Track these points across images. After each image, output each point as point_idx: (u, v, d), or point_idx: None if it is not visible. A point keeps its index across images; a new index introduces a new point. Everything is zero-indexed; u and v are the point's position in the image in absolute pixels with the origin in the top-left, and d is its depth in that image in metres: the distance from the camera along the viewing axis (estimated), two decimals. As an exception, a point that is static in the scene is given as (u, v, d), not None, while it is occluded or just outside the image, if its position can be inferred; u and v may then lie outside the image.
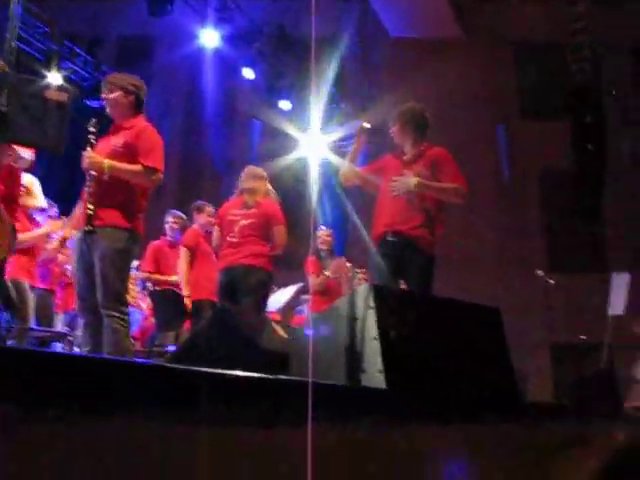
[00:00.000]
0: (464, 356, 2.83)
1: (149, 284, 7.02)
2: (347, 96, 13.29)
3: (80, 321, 4.27)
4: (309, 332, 3.00)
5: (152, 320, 7.11)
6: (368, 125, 4.86)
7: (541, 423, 3.39)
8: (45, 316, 6.44)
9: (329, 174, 5.24)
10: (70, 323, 6.64)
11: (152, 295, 6.94)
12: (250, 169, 5.83)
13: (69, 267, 5.98)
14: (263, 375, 1.94)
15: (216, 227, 5.82)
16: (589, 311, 9.53)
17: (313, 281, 6.68)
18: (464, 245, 13.36)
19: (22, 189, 4.82)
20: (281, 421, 1.88)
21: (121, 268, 4.00)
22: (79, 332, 5.26)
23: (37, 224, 5.66)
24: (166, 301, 6.62)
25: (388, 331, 2.50)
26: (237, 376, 1.81)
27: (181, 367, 1.77)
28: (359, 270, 6.92)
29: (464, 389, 2.78)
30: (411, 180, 4.47)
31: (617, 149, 14.60)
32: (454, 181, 4.59)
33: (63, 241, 5.09)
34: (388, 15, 14.33)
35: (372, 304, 2.52)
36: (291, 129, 11.76)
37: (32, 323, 5.58)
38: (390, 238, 4.44)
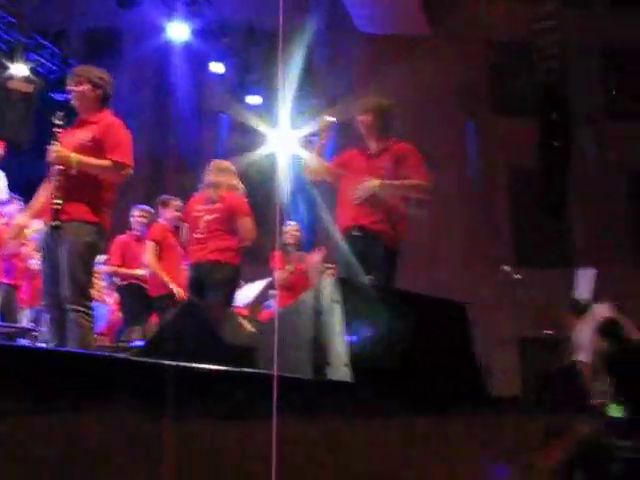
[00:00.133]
0: (429, 350, 2.86)
1: (116, 278, 6.97)
2: (317, 91, 13.30)
3: (45, 316, 4.22)
4: (275, 326, 3.00)
5: (119, 315, 7.07)
6: (332, 119, 4.86)
7: (507, 417, 3.44)
8: (9, 311, 6.37)
9: (298, 169, 5.22)
10: (35, 318, 6.56)
11: (119, 289, 6.89)
12: (216, 163, 5.79)
13: (34, 261, 5.90)
14: (230, 368, 1.94)
15: (185, 223, 5.80)
16: (556, 306, 9.63)
17: (279, 276, 6.68)
18: (432, 241, 13.47)
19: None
20: (248, 414, 1.88)
21: (87, 262, 3.98)
22: (44, 327, 5.20)
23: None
24: (132, 295, 6.59)
25: (354, 325, 2.51)
26: (204, 369, 1.81)
27: (148, 360, 1.76)
28: (329, 265, 6.93)
29: (429, 383, 2.81)
30: (373, 183, 4.47)
31: (582, 147, 14.81)
32: (419, 176, 4.61)
33: (20, 230, 5.00)
34: (358, 11, 14.37)
35: (338, 298, 2.53)
36: (260, 124, 11.72)
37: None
38: (354, 233, 4.45)
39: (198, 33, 10.96)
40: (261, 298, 7.24)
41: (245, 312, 6.77)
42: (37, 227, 4.80)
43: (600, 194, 16.22)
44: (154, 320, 6.40)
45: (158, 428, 1.58)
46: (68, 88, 4.24)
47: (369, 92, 5.17)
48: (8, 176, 6.65)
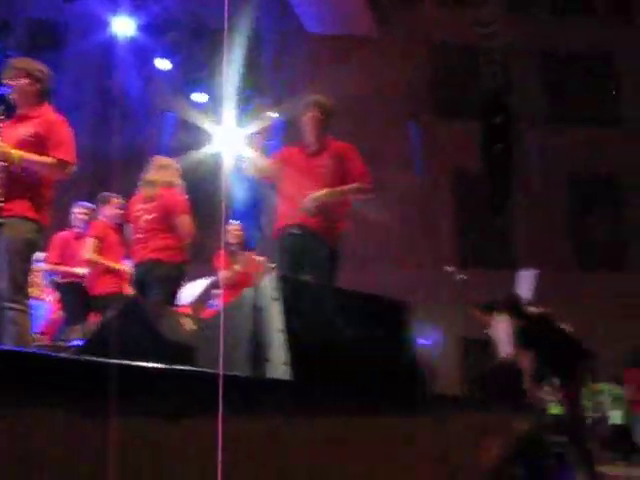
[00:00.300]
0: (369, 348, 2.88)
1: (56, 276, 6.85)
2: (263, 90, 13.27)
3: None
4: (221, 325, 2.99)
5: (59, 313, 6.94)
6: (273, 115, 4.87)
7: (446, 415, 3.48)
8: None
9: (243, 168, 5.20)
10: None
11: (59, 288, 6.78)
12: (156, 159, 5.74)
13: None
14: (171, 366, 1.93)
15: (128, 223, 5.76)
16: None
17: (223, 275, 6.66)
18: (376, 240, 13.58)
19: None
20: (189, 412, 1.88)
21: (26, 260, 3.92)
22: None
23: None
24: (73, 294, 6.49)
25: (293, 322, 2.52)
26: (145, 367, 1.80)
27: (88, 359, 1.74)
28: (273, 264, 6.93)
29: (368, 381, 2.83)
30: (319, 194, 4.46)
31: (524, 150, 15.11)
32: (359, 176, 4.64)
33: None
34: (304, 10, 14.39)
35: (277, 295, 2.53)
36: (206, 122, 11.65)
37: None
38: (294, 231, 4.46)
39: (143, 28, 10.82)
40: (205, 297, 7.21)
41: (189, 311, 6.73)
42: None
43: (542, 196, 16.58)
44: (94, 319, 6.31)
45: (100, 427, 1.56)
46: (5, 81, 4.15)
47: (314, 91, 5.17)
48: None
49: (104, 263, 6.15)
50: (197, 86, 11.88)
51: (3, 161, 3.82)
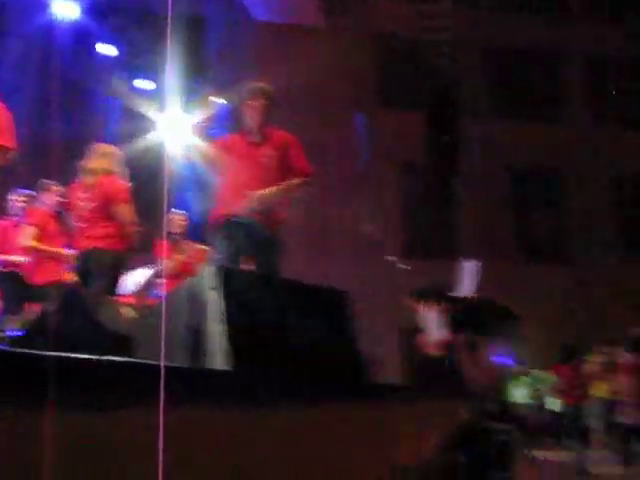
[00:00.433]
0: (309, 337, 2.88)
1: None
2: (209, 77, 13.15)
3: None
4: (156, 313, 2.96)
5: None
6: (218, 100, 4.81)
7: (386, 404, 3.51)
8: None
9: (188, 155, 5.13)
10: None
11: (-4, 277, 6.61)
12: (97, 147, 5.64)
13: None
14: (109, 358, 1.91)
15: (69, 211, 5.65)
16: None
17: (166, 265, 6.60)
18: (321, 230, 13.60)
19: None
20: (126, 403, 1.86)
21: None
22: None
23: None
24: (10, 282, 6.33)
25: (232, 312, 2.50)
26: (84, 359, 1.77)
27: (28, 351, 1.71)
28: (214, 252, 6.88)
29: (309, 370, 2.83)
30: (263, 193, 4.44)
31: (469, 143, 15.29)
32: (302, 170, 4.64)
33: None
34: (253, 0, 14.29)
35: (217, 285, 2.51)
36: (151, 109, 11.47)
37: None
38: (235, 219, 4.42)
39: (87, 12, 10.59)
40: (147, 286, 7.12)
41: (131, 300, 6.64)
42: None
43: (486, 189, 16.83)
44: (33, 309, 6.18)
45: (38, 419, 1.53)
46: None
47: (261, 79, 5.12)
48: None
49: (44, 250, 6.02)
50: (142, 73, 11.69)
51: None
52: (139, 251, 5.90)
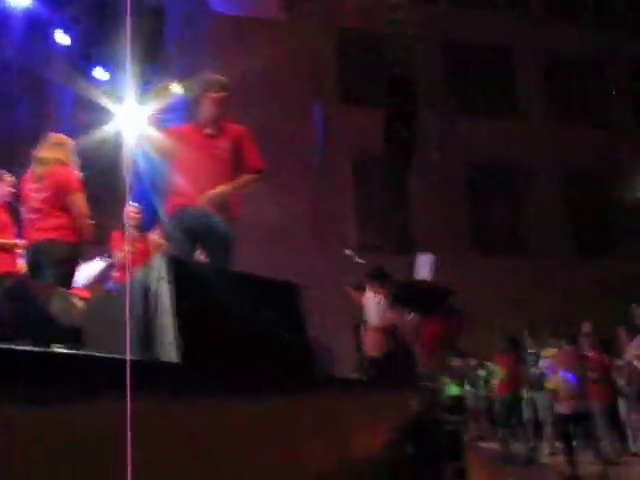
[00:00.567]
0: (261, 330, 2.90)
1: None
2: (167, 67, 13.04)
3: None
4: (104, 304, 2.94)
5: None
6: (175, 91, 4.79)
7: (338, 396, 3.54)
8: None
9: (145, 148, 5.08)
10: None
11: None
12: (49, 137, 5.56)
13: None
14: (56, 350, 1.90)
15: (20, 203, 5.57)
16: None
17: (118, 257, 6.55)
18: (277, 224, 13.58)
19: None
20: (75, 396, 1.85)
21: None
22: None
23: None
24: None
25: (183, 304, 2.50)
26: (30, 351, 1.76)
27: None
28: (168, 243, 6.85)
29: (260, 363, 2.85)
30: (218, 191, 4.42)
31: (426, 138, 15.41)
32: (255, 165, 4.66)
33: None
34: (211, -10, 14.19)
35: (167, 276, 2.51)
36: (106, 100, 11.32)
37: None
38: (189, 211, 4.41)
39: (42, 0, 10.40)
40: (101, 278, 7.06)
41: (84, 292, 6.58)
42: None
43: (442, 183, 16.99)
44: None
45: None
46: None
47: (217, 71, 5.10)
48: None
49: None
50: (99, 62, 11.53)
51: None
52: (93, 243, 5.85)
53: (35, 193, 5.28)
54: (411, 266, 9.36)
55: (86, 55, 11.49)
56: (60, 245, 5.17)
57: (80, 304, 3.56)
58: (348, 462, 3.53)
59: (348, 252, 8.83)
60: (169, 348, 2.42)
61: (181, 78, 11.41)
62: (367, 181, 16.24)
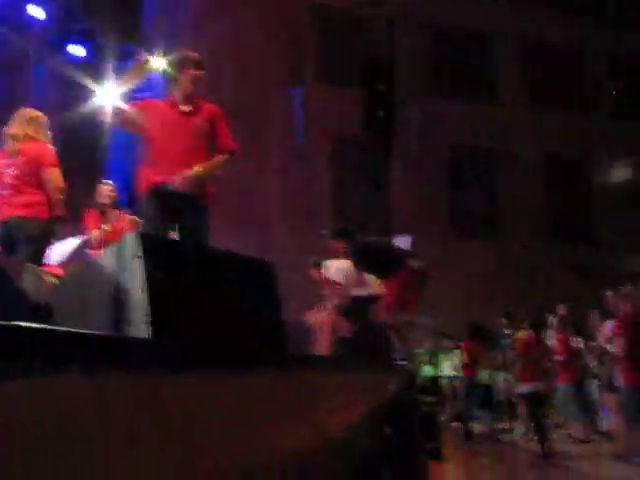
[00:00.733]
0: (234, 308, 2.87)
1: None
2: (144, 44, 12.89)
3: None
4: (75, 281, 2.91)
5: None
6: (150, 58, 4.75)
7: (314, 375, 3.53)
8: None
9: (119, 122, 5.02)
10: None
11: None
12: (20, 112, 5.47)
13: None
14: (21, 324, 1.86)
15: None
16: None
17: (94, 235, 6.50)
18: (253, 203, 13.54)
19: None
20: (39, 372, 1.81)
21: None
22: None
23: None
24: None
25: (155, 282, 2.47)
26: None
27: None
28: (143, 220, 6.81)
29: (233, 341, 2.83)
30: (193, 171, 4.39)
31: (406, 120, 15.40)
32: (228, 144, 4.67)
33: None
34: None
35: (140, 253, 2.48)
36: (83, 76, 11.19)
37: None
38: (166, 189, 4.37)
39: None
40: (75, 256, 6.99)
41: (59, 270, 6.52)
42: None
43: (421, 166, 17.02)
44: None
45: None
46: None
47: (194, 49, 5.04)
48: None
49: None
50: (75, 38, 11.38)
51: None
52: (67, 220, 5.78)
53: (8, 169, 5.20)
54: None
55: (62, 31, 11.33)
56: (33, 222, 5.11)
57: (52, 281, 3.52)
58: (323, 442, 3.52)
59: (324, 232, 8.81)
60: (142, 326, 2.39)
61: (158, 54, 11.32)
62: (345, 163, 16.23)
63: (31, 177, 5.18)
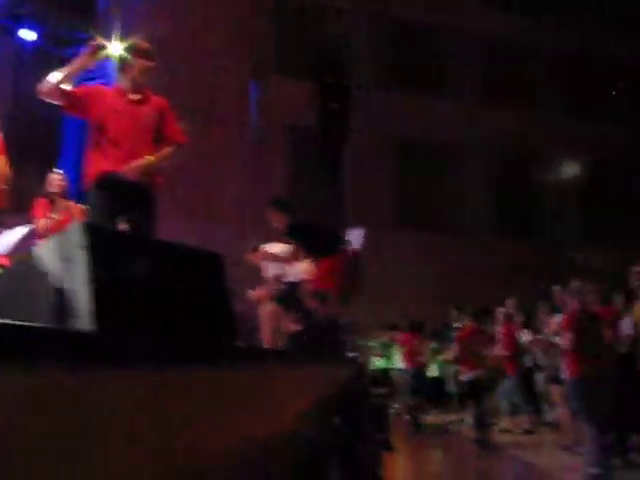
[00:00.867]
0: (182, 300, 2.86)
1: None
2: (97, 30, 12.69)
3: None
4: (17, 273, 2.86)
5: None
6: (102, 43, 4.68)
7: (262, 368, 3.53)
8: None
9: (67, 108, 4.91)
10: None
11: None
12: None
13: None
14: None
15: None
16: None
17: (42, 224, 6.39)
18: (207, 196, 13.46)
19: None
20: None
21: None
22: None
23: None
24: None
25: (100, 273, 2.44)
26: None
27: None
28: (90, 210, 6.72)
29: (181, 334, 2.81)
30: (143, 161, 4.36)
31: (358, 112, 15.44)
32: (176, 135, 4.66)
33: None
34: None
35: (84, 244, 2.44)
36: (35, 61, 10.98)
37: None
38: (115, 178, 4.32)
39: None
40: (21, 246, 6.87)
41: (5, 261, 6.39)
42: None
43: (372, 158, 17.10)
44: None
45: None
46: None
47: (146, 38, 4.97)
48: None
49: None
50: (26, 22, 11.16)
51: None
52: (16, 210, 5.67)
53: None
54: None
55: (13, 15, 11.12)
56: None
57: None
58: (273, 434, 3.53)
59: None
60: (87, 319, 2.36)
61: (113, 40, 11.15)
62: (300, 155, 16.21)
63: None
